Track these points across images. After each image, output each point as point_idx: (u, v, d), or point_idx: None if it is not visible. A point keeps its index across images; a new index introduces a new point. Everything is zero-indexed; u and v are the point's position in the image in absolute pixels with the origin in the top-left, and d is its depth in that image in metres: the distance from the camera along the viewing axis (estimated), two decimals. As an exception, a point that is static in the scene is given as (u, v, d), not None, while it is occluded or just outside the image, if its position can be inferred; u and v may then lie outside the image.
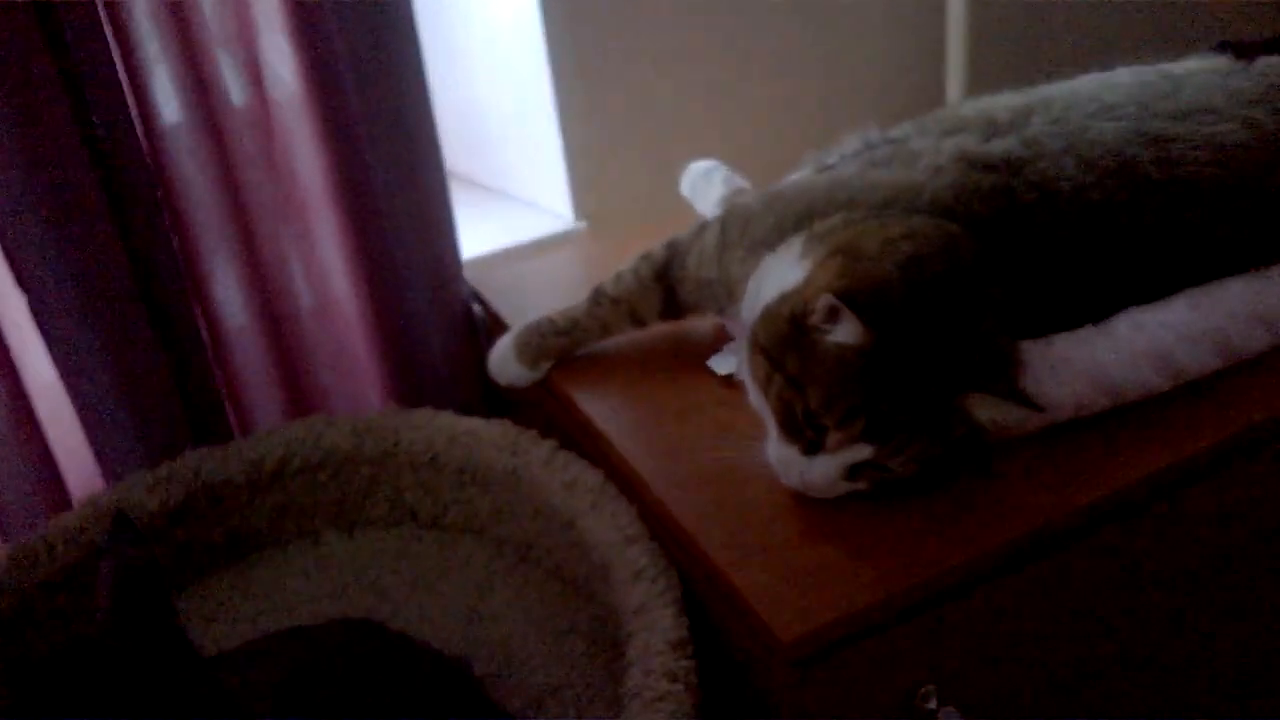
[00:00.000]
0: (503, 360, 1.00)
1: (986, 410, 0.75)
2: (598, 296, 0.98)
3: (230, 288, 1.05)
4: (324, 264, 1.08)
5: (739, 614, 0.73)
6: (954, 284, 0.78)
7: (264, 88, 1.01)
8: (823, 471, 0.76)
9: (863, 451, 0.74)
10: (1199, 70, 0.99)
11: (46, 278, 0.94)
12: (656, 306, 0.97)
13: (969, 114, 0.96)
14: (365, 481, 1.02)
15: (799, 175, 1.00)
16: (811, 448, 0.76)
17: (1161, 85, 0.95)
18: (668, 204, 1.16)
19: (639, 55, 1.24)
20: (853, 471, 0.76)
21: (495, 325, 1.11)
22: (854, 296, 0.72)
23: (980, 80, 1.35)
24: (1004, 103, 0.97)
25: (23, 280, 0.96)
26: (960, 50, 1.36)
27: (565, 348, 0.99)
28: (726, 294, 0.92)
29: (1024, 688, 0.84)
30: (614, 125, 1.26)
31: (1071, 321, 0.86)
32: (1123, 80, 0.98)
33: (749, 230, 0.90)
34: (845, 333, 0.73)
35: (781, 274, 0.83)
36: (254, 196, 1.04)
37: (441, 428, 1.00)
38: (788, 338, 0.77)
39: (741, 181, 1.09)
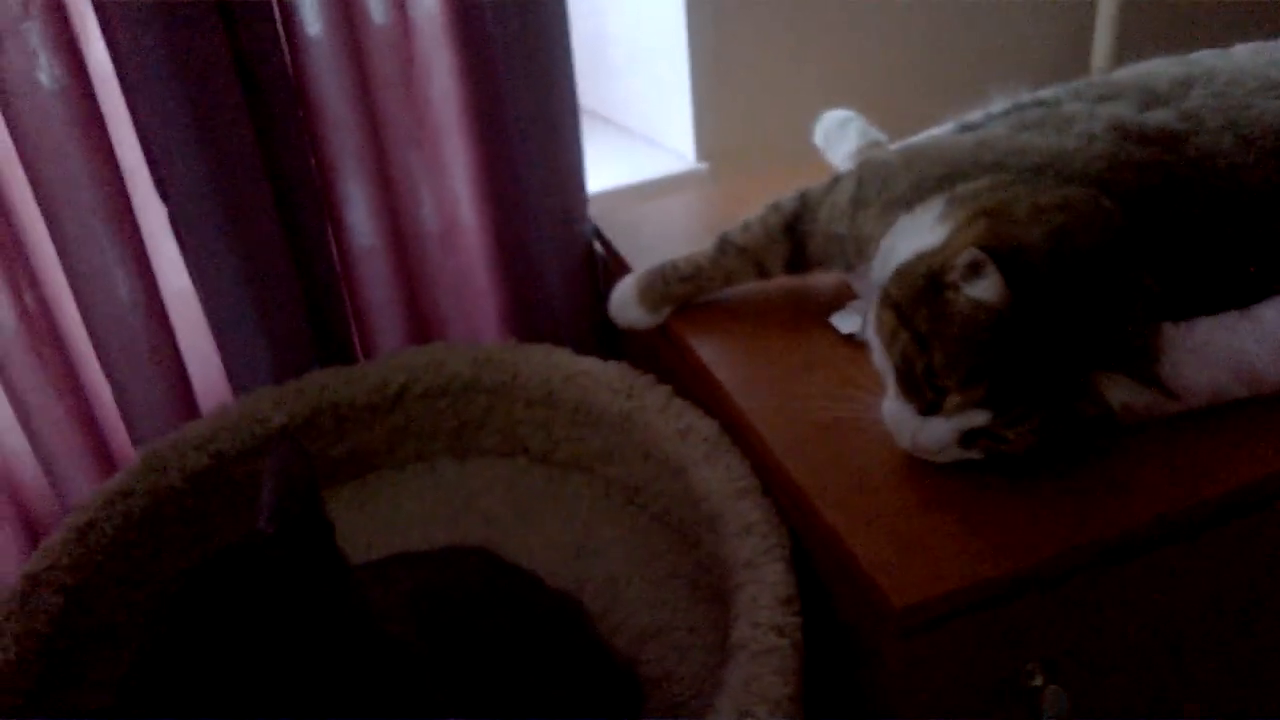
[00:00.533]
0: (624, 302, 1.00)
1: (1119, 392, 0.73)
2: (724, 245, 0.97)
3: (361, 209, 1.07)
4: (453, 190, 1.09)
5: (849, 577, 0.73)
6: (1102, 261, 0.75)
7: (405, 8, 1.01)
8: (936, 434, 0.75)
9: (979, 418, 0.73)
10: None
11: (189, 188, 0.97)
12: (783, 259, 0.96)
13: (1126, 80, 0.92)
14: (481, 411, 1.04)
15: (940, 132, 0.97)
16: (930, 409, 0.75)
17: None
18: (793, 149, 1.14)
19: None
20: (967, 438, 0.75)
21: (615, 264, 1.11)
22: (999, 253, 0.70)
23: (1128, 44, 1.29)
24: (1164, 71, 0.92)
25: (164, 189, 0.99)
26: (1110, 9, 1.30)
27: (688, 294, 0.99)
28: (856, 251, 0.91)
29: (1133, 673, 0.83)
30: (743, 66, 1.24)
31: (1217, 305, 0.83)
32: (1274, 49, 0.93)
33: (886, 187, 0.89)
34: (984, 290, 0.71)
35: (919, 234, 0.81)
36: (389, 118, 1.05)
37: (558, 365, 1.01)
38: (922, 294, 0.76)
39: (879, 135, 1.06)
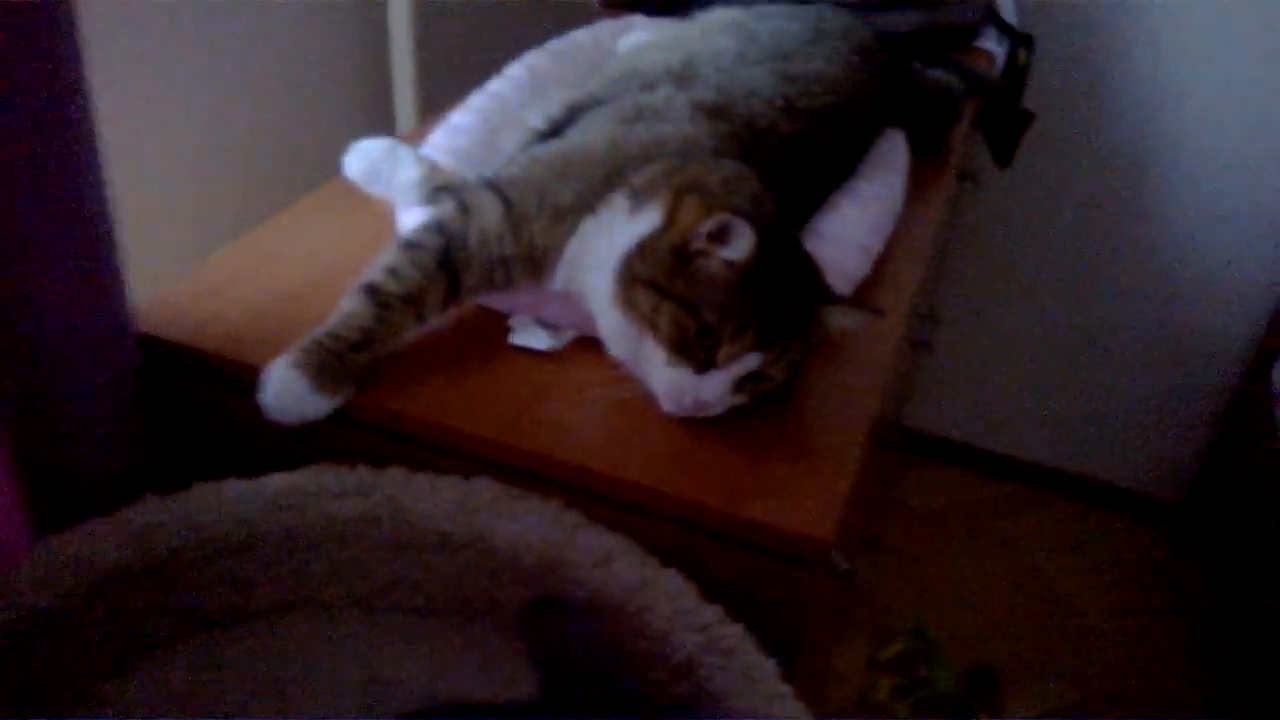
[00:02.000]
0: (294, 394, 0.83)
1: (838, 318, 0.89)
2: (379, 298, 0.87)
3: None
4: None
5: (763, 543, 0.79)
6: (776, 212, 0.90)
7: None
8: (717, 385, 0.84)
9: (752, 361, 0.84)
10: (765, 17, 1.22)
11: None
12: (440, 296, 0.90)
13: (646, 68, 1.07)
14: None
15: (521, 137, 1.02)
16: (704, 365, 0.83)
17: (756, 32, 1.16)
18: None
19: None
20: (739, 384, 0.85)
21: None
22: (740, 215, 0.81)
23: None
24: (659, 59, 1.09)
25: None
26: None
27: (367, 364, 0.87)
28: (528, 268, 0.91)
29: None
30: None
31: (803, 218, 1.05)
32: (724, 29, 1.17)
33: (547, 200, 0.90)
34: (737, 248, 0.82)
35: (619, 227, 0.88)
36: None
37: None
38: (673, 267, 0.83)
39: (429, 157, 1.03)
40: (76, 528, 0.79)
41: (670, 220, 0.85)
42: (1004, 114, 1.65)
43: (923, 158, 1.30)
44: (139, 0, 1.09)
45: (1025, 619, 2.10)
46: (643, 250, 0.84)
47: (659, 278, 0.83)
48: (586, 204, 0.89)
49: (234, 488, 0.83)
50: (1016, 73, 1.71)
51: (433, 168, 1.01)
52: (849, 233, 1.05)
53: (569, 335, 0.95)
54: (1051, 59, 1.95)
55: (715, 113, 0.99)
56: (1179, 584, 2.22)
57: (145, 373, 0.93)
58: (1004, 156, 1.70)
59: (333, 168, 1.06)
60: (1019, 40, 1.75)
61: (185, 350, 0.92)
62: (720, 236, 0.82)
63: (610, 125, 0.97)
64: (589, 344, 0.93)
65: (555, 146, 0.96)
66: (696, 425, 0.86)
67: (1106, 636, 2.08)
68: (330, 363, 0.85)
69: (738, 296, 0.82)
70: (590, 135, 0.97)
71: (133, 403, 0.92)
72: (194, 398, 0.95)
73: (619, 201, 0.89)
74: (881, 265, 1.09)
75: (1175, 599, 2.18)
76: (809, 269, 0.88)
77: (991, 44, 1.74)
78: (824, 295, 0.88)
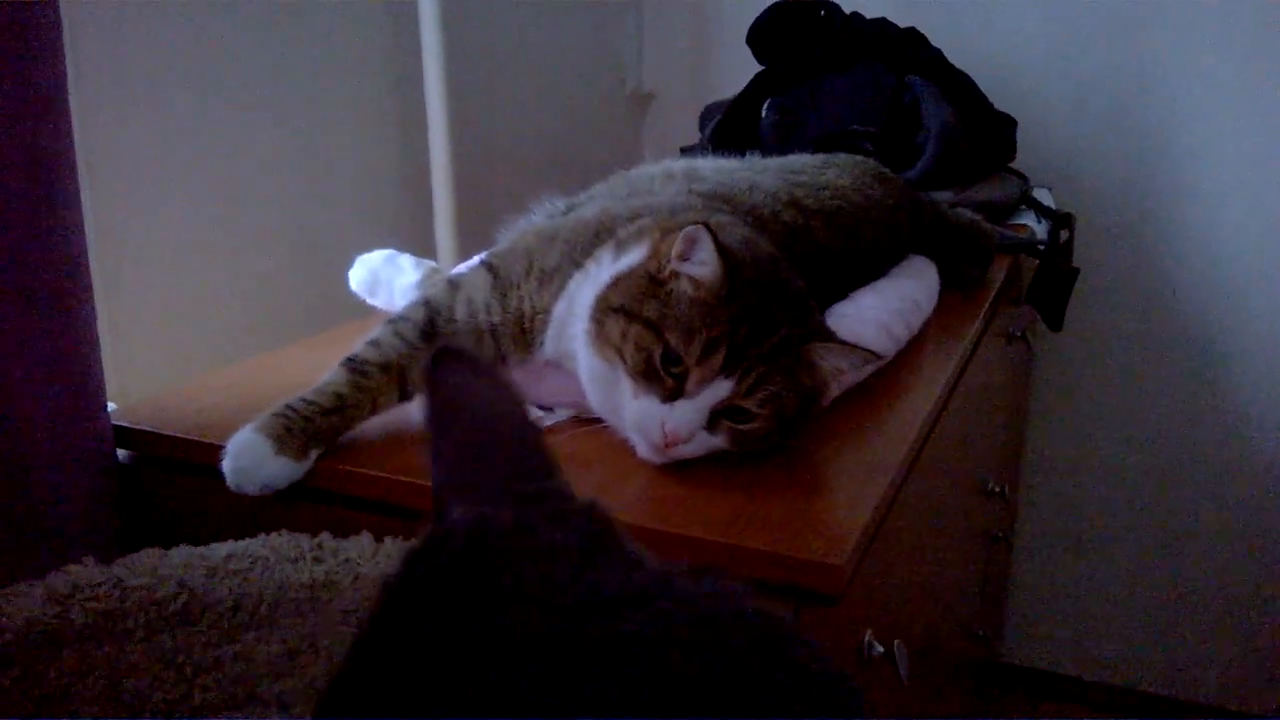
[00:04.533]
0: (255, 458, 0.77)
1: (830, 357, 0.81)
2: (358, 367, 0.83)
3: None
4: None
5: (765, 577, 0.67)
6: (772, 257, 0.85)
7: None
8: (686, 416, 0.76)
9: (722, 389, 0.76)
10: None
11: None
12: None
13: (646, 174, 1.06)
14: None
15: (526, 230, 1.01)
16: (673, 394, 0.76)
17: (766, 162, 1.16)
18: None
19: None
20: (713, 421, 0.77)
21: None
22: (712, 232, 0.76)
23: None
24: (660, 170, 1.09)
25: None
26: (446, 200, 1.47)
27: (335, 429, 0.81)
28: (518, 337, 0.87)
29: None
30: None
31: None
32: (734, 159, 1.18)
33: (534, 265, 0.87)
34: (702, 263, 0.77)
35: (605, 270, 0.83)
36: None
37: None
38: (645, 291, 0.78)
39: (429, 262, 1.02)
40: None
41: (652, 254, 0.81)
42: (1050, 275, 1.59)
43: (955, 292, 1.25)
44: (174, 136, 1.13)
45: None
46: (617, 281, 0.80)
47: (629, 303, 0.78)
48: (574, 262, 0.86)
49: (178, 553, 0.75)
50: (1059, 246, 1.68)
51: (433, 269, 0.99)
52: (865, 312, 0.99)
53: (563, 415, 0.88)
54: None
55: (714, 198, 0.97)
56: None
57: (126, 474, 0.88)
58: (1055, 319, 1.63)
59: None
60: (1059, 220, 1.73)
61: (160, 439, 0.87)
62: (687, 254, 0.77)
63: (603, 201, 0.95)
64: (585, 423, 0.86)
65: (547, 222, 0.94)
66: (689, 470, 0.77)
67: None
68: (296, 426, 0.79)
69: (703, 317, 0.76)
70: (582, 211, 0.95)
71: (108, 502, 0.86)
72: (172, 496, 0.89)
73: (605, 252, 0.85)
74: (909, 358, 1.02)
75: None
76: (802, 309, 0.82)
77: (1031, 221, 1.72)
78: (814, 333, 0.80)
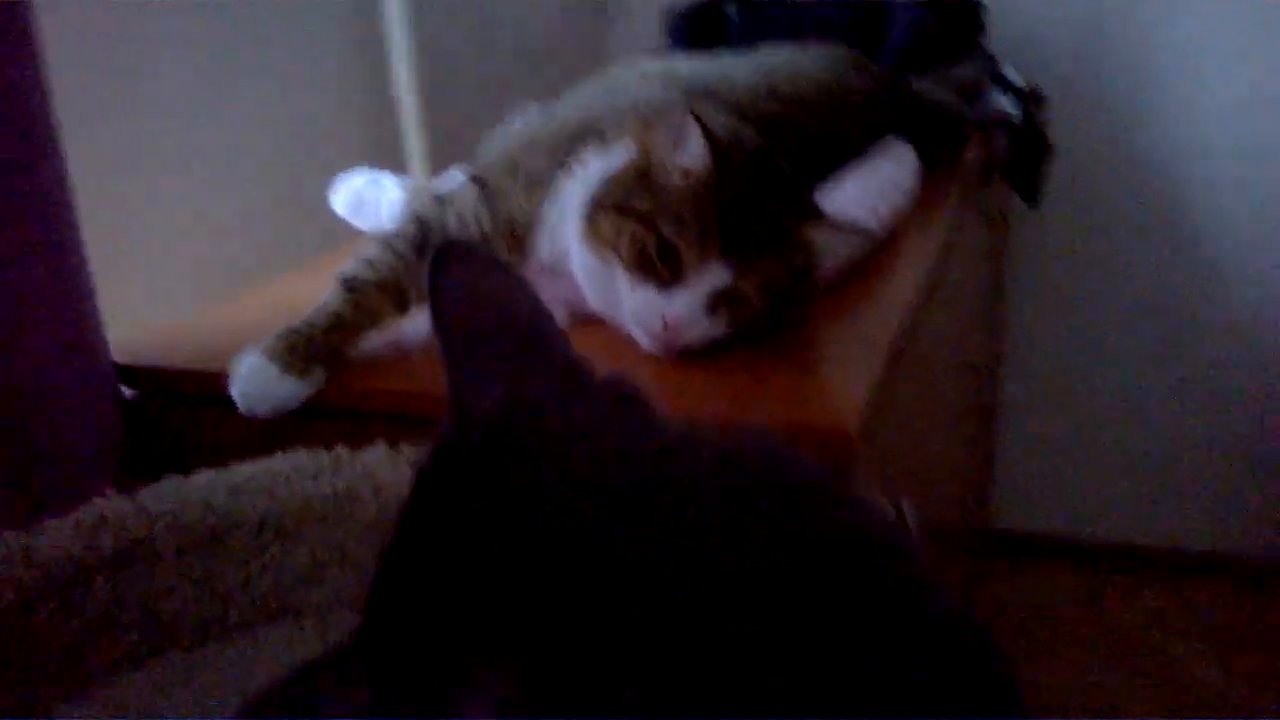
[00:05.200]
0: (263, 381, 0.78)
1: (821, 235, 0.82)
2: (354, 285, 0.83)
3: None
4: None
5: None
6: (758, 144, 0.85)
7: None
8: (685, 302, 0.77)
9: (719, 275, 0.77)
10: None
11: None
12: (420, 284, 0.86)
13: (622, 76, 1.06)
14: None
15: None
16: (670, 284, 0.77)
17: (733, 59, 1.16)
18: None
19: None
20: (711, 306, 0.78)
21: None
22: (700, 120, 0.77)
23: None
24: (636, 72, 1.08)
25: None
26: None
27: (338, 347, 0.82)
28: (510, 241, 0.87)
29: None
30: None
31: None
32: (698, 62, 1.17)
33: (520, 173, 0.88)
34: (692, 153, 0.77)
35: (594, 171, 0.84)
36: None
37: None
38: (635, 186, 0.79)
39: (411, 180, 1.02)
40: (19, 529, 0.72)
41: (640, 149, 0.81)
42: (1024, 151, 1.60)
43: (932, 172, 1.26)
44: (138, 62, 1.12)
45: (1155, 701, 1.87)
46: (607, 179, 0.81)
47: (621, 199, 0.79)
48: (560, 165, 0.86)
49: (200, 477, 0.76)
50: (1031, 122, 1.69)
51: (418, 186, 0.99)
52: (849, 193, 0.99)
53: (560, 317, 0.89)
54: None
55: (694, 93, 0.97)
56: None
57: (131, 411, 0.89)
58: (1031, 195, 1.64)
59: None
60: (1029, 97, 1.73)
61: (163, 372, 0.88)
62: (675, 145, 0.78)
63: (583, 103, 0.95)
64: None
65: (527, 126, 0.94)
66: (692, 359, 0.79)
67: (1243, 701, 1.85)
68: (300, 345, 0.80)
69: (695, 207, 0.77)
70: (563, 111, 0.95)
71: (117, 439, 0.87)
72: (182, 429, 0.90)
73: (591, 153, 0.85)
74: (894, 239, 1.03)
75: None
76: (792, 193, 0.83)
77: (1008, 107, 1.72)
78: (806, 214, 0.81)
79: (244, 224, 1.21)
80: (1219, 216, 1.93)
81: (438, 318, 0.48)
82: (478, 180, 0.89)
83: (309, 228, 1.15)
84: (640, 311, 0.78)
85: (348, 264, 0.86)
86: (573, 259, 0.84)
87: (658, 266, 0.77)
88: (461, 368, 0.47)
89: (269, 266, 1.12)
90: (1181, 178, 1.92)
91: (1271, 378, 2.02)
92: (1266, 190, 1.89)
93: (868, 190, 1.02)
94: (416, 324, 0.86)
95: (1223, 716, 1.85)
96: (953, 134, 1.35)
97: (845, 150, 1.10)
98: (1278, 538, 2.13)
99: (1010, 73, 1.78)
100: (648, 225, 0.77)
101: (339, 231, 1.08)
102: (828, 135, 1.06)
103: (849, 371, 0.78)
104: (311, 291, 0.86)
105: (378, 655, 0.38)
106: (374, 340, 0.85)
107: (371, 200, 1.01)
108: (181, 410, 0.88)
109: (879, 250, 1.00)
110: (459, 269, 0.50)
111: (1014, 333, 2.11)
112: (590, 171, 0.84)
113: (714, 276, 0.77)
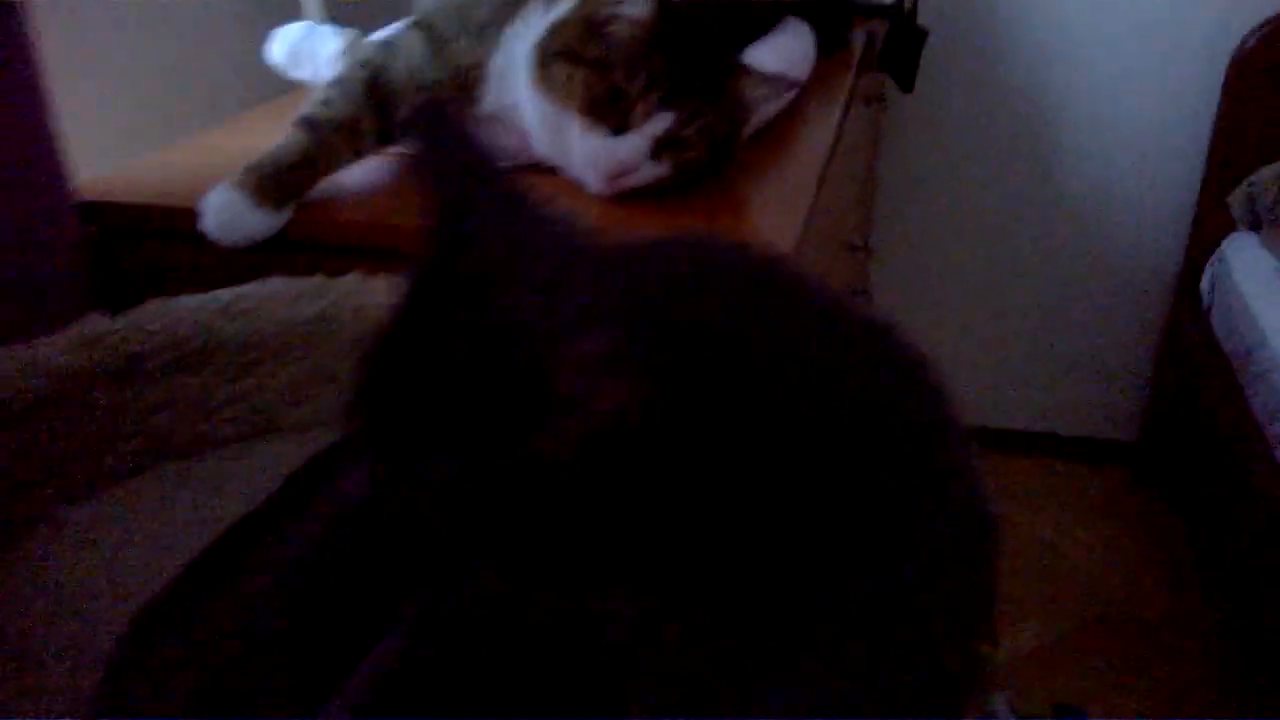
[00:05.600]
0: (235, 212, 0.83)
1: (751, 86, 0.91)
2: (314, 125, 0.88)
3: None
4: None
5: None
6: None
7: None
8: (632, 146, 0.85)
9: (664, 120, 0.85)
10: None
11: None
12: (374, 127, 0.91)
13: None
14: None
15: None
16: (619, 128, 0.85)
17: None
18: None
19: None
20: (655, 153, 0.86)
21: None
22: None
23: None
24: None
25: None
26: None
27: (305, 184, 0.87)
28: (457, 89, 0.92)
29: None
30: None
31: None
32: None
33: (466, 20, 0.93)
34: (638, 6, 0.84)
35: (538, 23, 0.90)
36: None
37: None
38: (584, 35, 0.86)
39: (350, 31, 1.05)
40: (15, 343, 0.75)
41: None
42: (899, 36, 1.72)
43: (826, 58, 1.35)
44: None
45: (1014, 569, 2.08)
46: (556, 27, 0.87)
47: (571, 47, 0.85)
48: (505, 17, 0.91)
49: (186, 300, 0.80)
50: (905, 9, 1.80)
51: (357, 35, 1.02)
52: (764, 57, 1.08)
53: (506, 166, 0.95)
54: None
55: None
56: (1149, 516, 2.22)
57: (97, 246, 0.91)
58: (906, 81, 1.76)
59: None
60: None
61: (127, 207, 0.90)
62: None
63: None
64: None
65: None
66: (636, 200, 0.87)
67: (1095, 572, 2.07)
68: (268, 180, 0.84)
69: (644, 55, 0.84)
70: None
71: (81, 273, 0.89)
72: (146, 264, 0.92)
73: (536, 7, 0.91)
74: (798, 110, 1.13)
75: (1148, 532, 2.18)
76: (727, 47, 0.91)
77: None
78: (741, 67, 0.90)
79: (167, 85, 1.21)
80: (1071, 88, 2.08)
81: (423, 157, 0.51)
82: (421, 26, 0.93)
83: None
84: (591, 155, 0.86)
85: (304, 107, 0.89)
86: (522, 108, 0.90)
87: (608, 112, 0.84)
88: (449, 207, 0.50)
89: (207, 122, 1.13)
90: (1041, 61, 2.07)
91: (1100, 270, 2.22)
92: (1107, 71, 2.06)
93: (778, 56, 1.11)
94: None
95: (1072, 579, 2.06)
96: (841, 20, 1.45)
97: (757, 25, 1.18)
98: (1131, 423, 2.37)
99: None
100: (599, 72, 0.84)
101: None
102: (742, 6, 1.15)
103: (774, 224, 0.87)
104: (255, 138, 0.89)
105: (376, 436, 0.44)
106: (332, 180, 0.90)
107: (309, 51, 1.03)
108: (147, 246, 0.91)
109: (785, 119, 1.10)
110: (441, 120, 0.53)
111: (881, 216, 2.26)
112: (537, 20, 0.89)
113: (660, 122, 0.85)
